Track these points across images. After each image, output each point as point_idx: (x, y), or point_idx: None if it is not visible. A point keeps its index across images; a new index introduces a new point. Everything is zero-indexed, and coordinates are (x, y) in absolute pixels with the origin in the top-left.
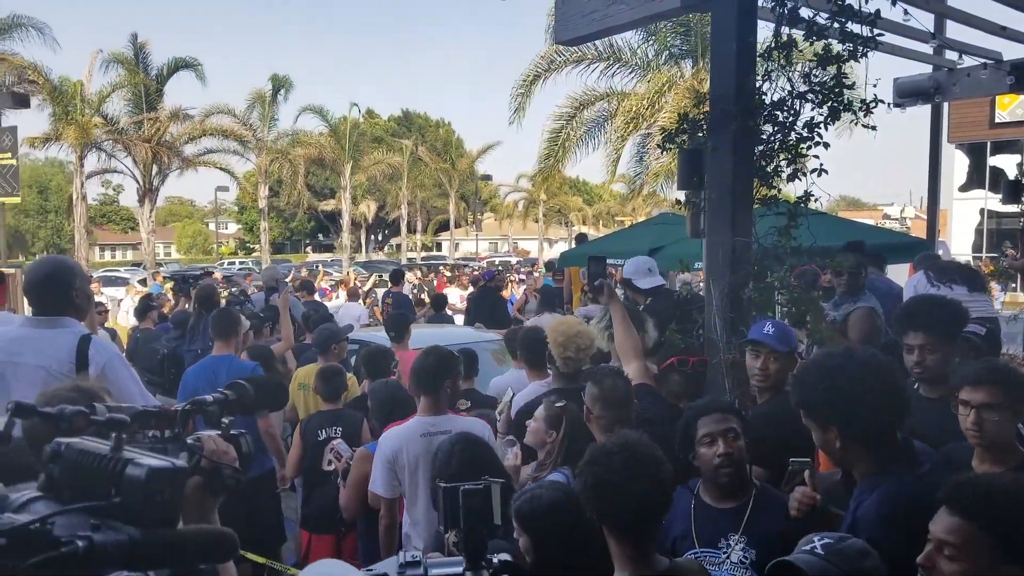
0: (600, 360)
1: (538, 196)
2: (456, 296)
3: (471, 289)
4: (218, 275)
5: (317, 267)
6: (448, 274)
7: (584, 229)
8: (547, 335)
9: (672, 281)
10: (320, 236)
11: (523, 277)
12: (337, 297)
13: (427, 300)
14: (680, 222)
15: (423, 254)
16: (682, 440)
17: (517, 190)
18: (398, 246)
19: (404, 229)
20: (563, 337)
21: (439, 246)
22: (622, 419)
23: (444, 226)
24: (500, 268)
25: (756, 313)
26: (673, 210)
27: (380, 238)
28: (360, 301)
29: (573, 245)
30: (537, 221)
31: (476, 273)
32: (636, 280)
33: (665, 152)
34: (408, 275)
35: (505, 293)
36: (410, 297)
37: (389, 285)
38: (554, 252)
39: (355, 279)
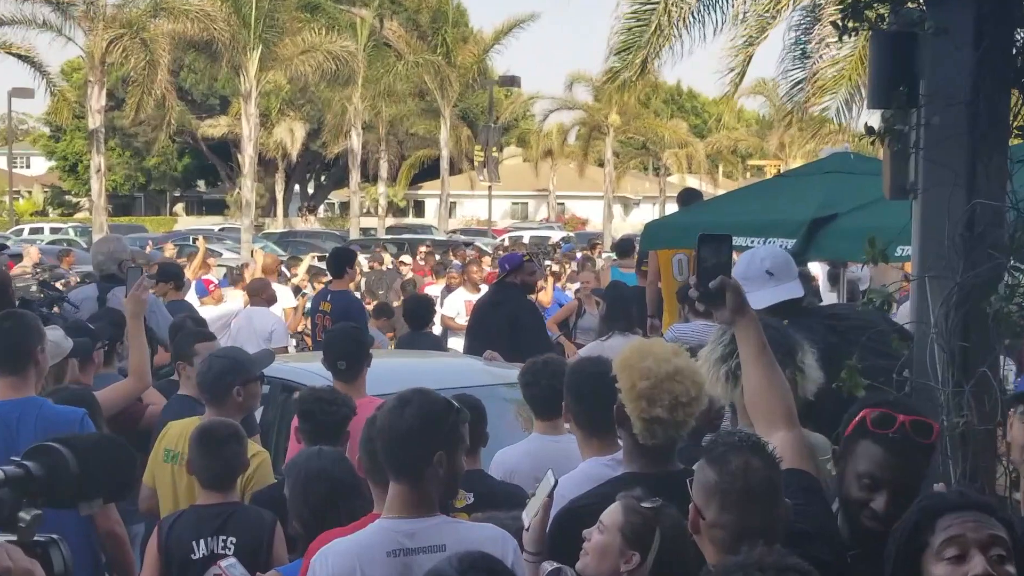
0: (710, 423)
1: (606, 119)
2: (459, 303)
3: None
4: (33, 253)
5: (194, 241)
6: (434, 258)
7: (691, 181)
8: (617, 374)
9: (839, 279)
10: (200, 185)
11: (573, 267)
12: (228, 296)
13: (395, 303)
14: (870, 170)
15: (392, 221)
16: (902, 554)
17: (567, 106)
18: (344, 206)
19: (356, 175)
20: (647, 380)
21: (419, 207)
22: (759, 531)
23: (430, 171)
24: (534, 250)
25: (1009, 341)
26: (856, 148)
27: (312, 190)
28: (275, 304)
29: (667, 210)
30: (603, 165)
31: (481, 253)
32: (748, 291)
33: (846, 39)
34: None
35: (542, 296)
36: (360, 299)
37: (327, 278)
38: (632, 223)
39: (267, 265)
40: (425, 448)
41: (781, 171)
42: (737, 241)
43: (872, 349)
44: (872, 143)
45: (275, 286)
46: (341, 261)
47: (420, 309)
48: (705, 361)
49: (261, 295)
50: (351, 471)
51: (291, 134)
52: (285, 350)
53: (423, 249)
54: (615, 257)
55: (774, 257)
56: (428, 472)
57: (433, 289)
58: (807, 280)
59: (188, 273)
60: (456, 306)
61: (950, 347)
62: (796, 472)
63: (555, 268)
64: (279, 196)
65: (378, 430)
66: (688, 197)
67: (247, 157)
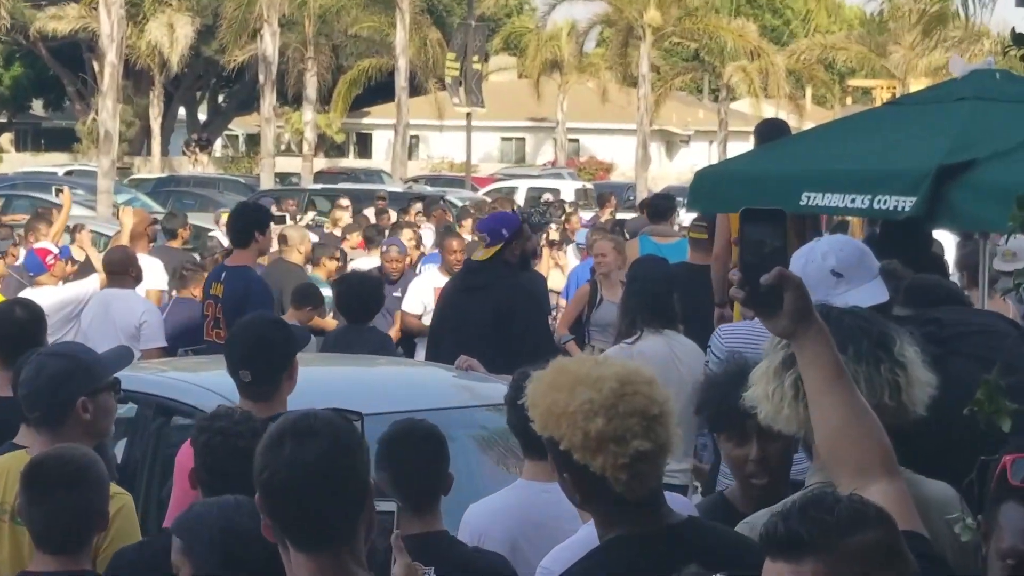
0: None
1: (640, 15)
2: (427, 292)
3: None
4: None
5: (56, 194)
6: (386, 218)
7: (766, 110)
8: (547, 432)
9: (980, 257)
10: (36, 107)
11: (586, 235)
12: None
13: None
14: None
15: (324, 163)
16: None
17: None
18: (252, 140)
19: (270, 95)
20: (599, 417)
21: (364, 143)
22: None
23: (381, 91)
24: (540, 210)
25: None
26: (1002, 62)
27: (205, 117)
28: (144, 286)
29: (730, 152)
30: (636, 85)
31: (447, 211)
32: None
33: None
34: (291, 229)
35: (544, 269)
36: (269, 283)
37: (222, 249)
38: (679, 169)
39: (134, 227)
40: (352, 500)
41: (896, 95)
42: (830, 200)
43: (1007, 364)
44: (1022, 57)
45: (143, 259)
46: (246, 223)
47: (364, 294)
48: (761, 377)
49: (127, 272)
50: (254, 533)
51: (171, 32)
52: (162, 352)
53: (378, 204)
54: (649, 219)
55: (841, 251)
56: (360, 523)
57: (363, 264)
58: (893, 277)
59: (47, 236)
60: (423, 297)
61: None
62: (910, 537)
63: (552, 234)
64: (155, 125)
65: (273, 485)
66: (771, 131)
67: (108, 66)
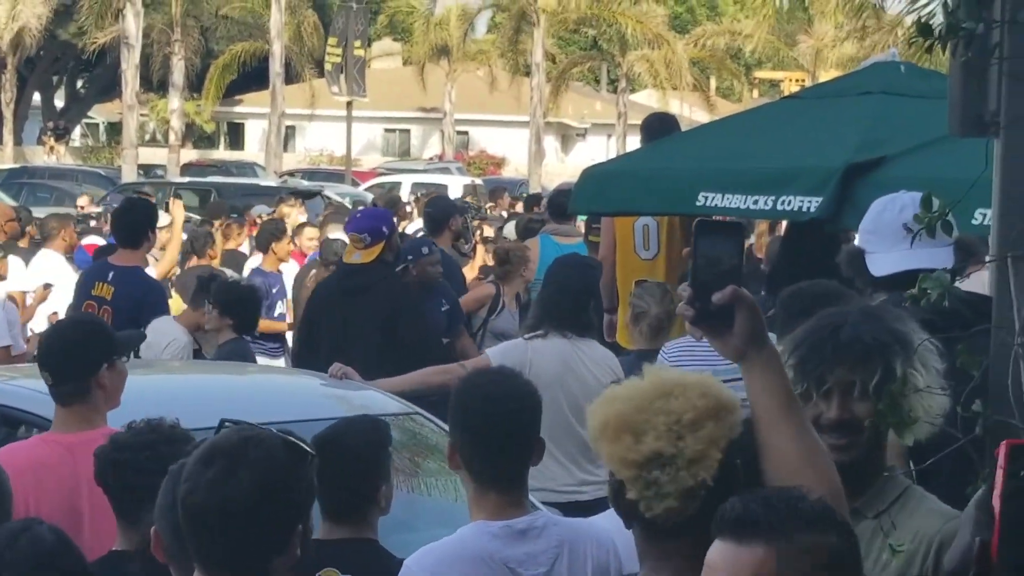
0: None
1: (534, 1)
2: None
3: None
4: None
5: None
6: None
7: (674, 103)
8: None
9: None
10: None
11: (479, 232)
12: None
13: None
14: (932, 90)
15: (193, 155)
16: None
17: None
18: (114, 129)
19: (134, 80)
20: (628, 402)
21: (235, 133)
22: None
23: (254, 77)
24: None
25: None
26: (907, 54)
27: (63, 103)
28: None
29: (629, 145)
30: (529, 74)
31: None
32: (871, 251)
33: None
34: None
35: (476, 265)
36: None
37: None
38: (575, 164)
39: None
40: (274, 534)
41: (804, 87)
42: (730, 201)
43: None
44: (927, 48)
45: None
46: (139, 220)
47: (248, 298)
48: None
49: None
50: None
51: (15, 8)
52: (7, 355)
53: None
54: (551, 217)
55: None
56: (276, 565)
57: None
58: (967, 252)
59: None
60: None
61: None
62: None
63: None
64: (7, 112)
65: (188, 502)
66: (659, 126)
67: None
